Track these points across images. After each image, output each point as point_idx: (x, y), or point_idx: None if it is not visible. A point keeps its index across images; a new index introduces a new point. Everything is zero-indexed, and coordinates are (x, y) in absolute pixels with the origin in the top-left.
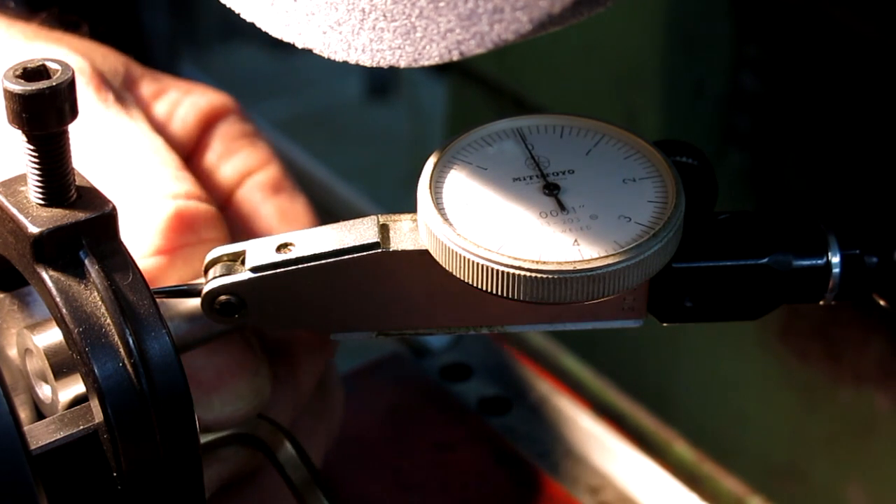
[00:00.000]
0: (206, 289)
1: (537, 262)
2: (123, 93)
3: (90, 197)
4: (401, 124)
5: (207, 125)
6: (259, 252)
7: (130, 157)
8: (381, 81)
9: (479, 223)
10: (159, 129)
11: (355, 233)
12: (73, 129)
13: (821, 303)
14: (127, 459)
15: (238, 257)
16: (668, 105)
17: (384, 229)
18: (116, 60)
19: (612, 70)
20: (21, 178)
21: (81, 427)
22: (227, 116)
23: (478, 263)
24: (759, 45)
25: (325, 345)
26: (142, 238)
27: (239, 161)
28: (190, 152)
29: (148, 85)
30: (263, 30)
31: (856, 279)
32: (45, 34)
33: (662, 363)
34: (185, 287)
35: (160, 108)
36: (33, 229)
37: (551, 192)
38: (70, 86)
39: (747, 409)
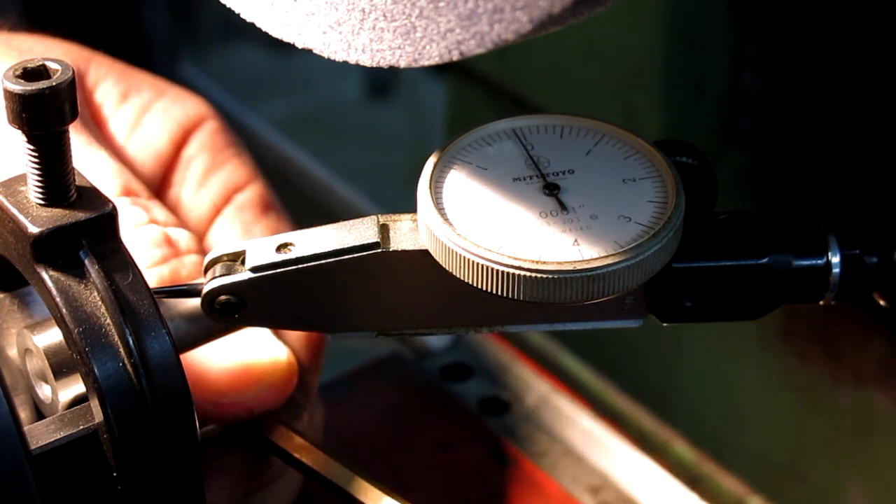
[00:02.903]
0: (206, 289)
1: (537, 262)
2: (82, 113)
3: (90, 197)
4: (401, 124)
5: (183, 137)
6: (259, 252)
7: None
8: (381, 81)
9: (479, 223)
10: (123, 140)
11: (355, 233)
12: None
13: (821, 303)
14: (127, 459)
15: (238, 257)
16: (668, 105)
17: (384, 229)
18: (78, 58)
19: (612, 70)
20: (21, 178)
21: (81, 427)
22: (203, 125)
23: (478, 263)
24: (759, 45)
25: (319, 342)
26: None
27: (224, 176)
28: (166, 167)
29: (113, 86)
30: (263, 30)
31: (856, 279)
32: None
33: (662, 363)
34: (185, 287)
35: (126, 115)
36: (33, 229)
37: (551, 192)
38: (70, 86)
39: (747, 409)
